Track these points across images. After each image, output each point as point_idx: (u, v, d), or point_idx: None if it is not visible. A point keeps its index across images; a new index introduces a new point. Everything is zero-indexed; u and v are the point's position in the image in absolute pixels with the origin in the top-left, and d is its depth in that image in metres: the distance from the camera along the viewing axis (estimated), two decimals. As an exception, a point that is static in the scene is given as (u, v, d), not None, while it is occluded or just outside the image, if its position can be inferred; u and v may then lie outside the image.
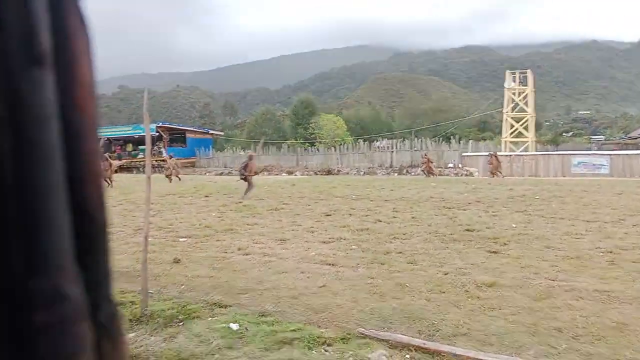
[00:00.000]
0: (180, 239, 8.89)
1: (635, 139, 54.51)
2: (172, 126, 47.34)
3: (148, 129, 5.82)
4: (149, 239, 5.29)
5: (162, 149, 42.90)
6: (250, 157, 16.13)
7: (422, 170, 26.74)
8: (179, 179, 24.27)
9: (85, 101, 0.41)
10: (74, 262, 0.39)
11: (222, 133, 61.21)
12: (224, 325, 4.49)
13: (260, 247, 8.02)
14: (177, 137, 46.46)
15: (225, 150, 46.86)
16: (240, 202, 14.22)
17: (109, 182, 20.22)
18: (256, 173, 16.32)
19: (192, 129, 50.64)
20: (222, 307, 5.08)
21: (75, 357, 0.37)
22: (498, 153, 27.82)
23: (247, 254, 7.52)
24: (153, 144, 41.13)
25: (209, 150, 46.43)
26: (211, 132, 55.39)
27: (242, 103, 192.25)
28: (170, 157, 27.53)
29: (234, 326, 4.45)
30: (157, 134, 41.99)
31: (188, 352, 4.08)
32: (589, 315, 4.55)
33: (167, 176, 24.24)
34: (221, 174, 37.25)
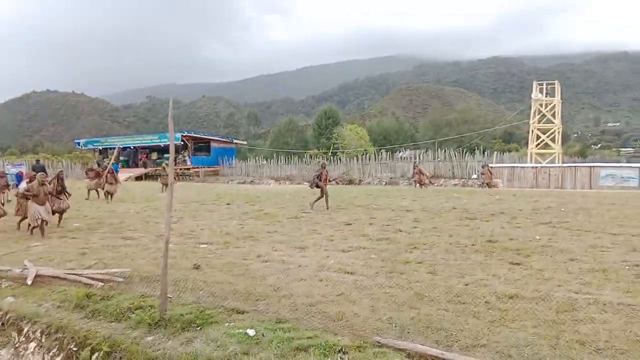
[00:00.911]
0: (201, 246, 8.99)
1: (668, 151, 52.85)
2: (197, 135, 48.06)
3: (172, 137, 5.92)
4: (170, 245, 5.37)
5: (187, 158, 43.54)
6: (323, 166, 15.92)
7: (414, 181, 26.23)
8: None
9: None
10: None
11: (246, 142, 61.77)
12: (241, 330, 4.51)
13: (280, 255, 8.04)
14: (201, 146, 47.12)
15: (249, 159, 47.24)
16: (306, 212, 14.37)
17: (98, 193, 19.57)
18: (328, 182, 15.95)
19: (216, 138, 51.31)
20: (239, 313, 5.11)
21: None
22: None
23: (266, 261, 7.55)
24: (178, 152, 41.77)
25: (232, 159, 46.91)
26: (235, 141, 56.03)
27: (266, 113, 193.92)
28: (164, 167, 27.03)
29: (251, 332, 4.46)
30: (182, 142, 42.65)
31: (204, 357, 4.11)
32: (612, 329, 4.42)
33: (163, 184, 23.58)
34: (243, 182, 37.55)
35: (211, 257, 7.90)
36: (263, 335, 4.41)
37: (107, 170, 19.47)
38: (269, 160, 45.82)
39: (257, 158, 46.68)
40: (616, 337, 4.24)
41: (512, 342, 4.20)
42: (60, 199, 11.90)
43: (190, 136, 44.92)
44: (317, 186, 15.33)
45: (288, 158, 43.67)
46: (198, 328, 4.71)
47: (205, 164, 44.66)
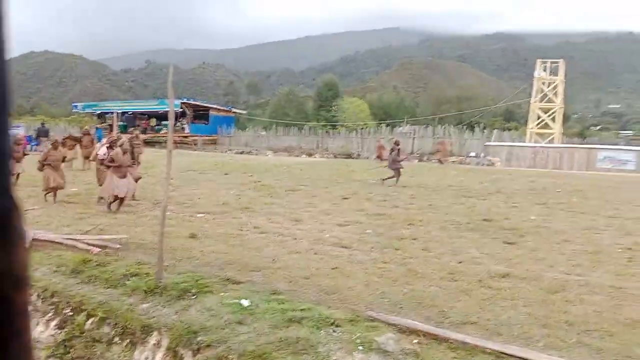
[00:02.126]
0: (198, 215, 9.02)
1: (668, 135, 52.93)
2: (197, 103, 47.60)
3: (172, 104, 5.87)
4: (167, 213, 5.38)
5: (186, 125, 43.28)
6: (397, 143, 15.38)
7: (376, 157, 26.16)
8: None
9: None
10: None
11: (245, 112, 61.35)
12: (236, 300, 4.57)
13: (276, 227, 8.08)
14: (200, 114, 46.75)
15: (247, 129, 47.01)
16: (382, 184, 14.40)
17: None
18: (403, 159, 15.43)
19: (215, 106, 50.83)
20: (234, 283, 5.16)
21: None
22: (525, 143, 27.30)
23: (262, 233, 7.59)
24: (177, 120, 41.48)
25: (231, 128, 46.65)
26: (234, 110, 55.60)
27: (266, 83, 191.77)
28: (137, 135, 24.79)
29: (245, 302, 4.52)
30: (181, 110, 42.32)
31: (198, 325, 4.18)
32: (602, 311, 4.49)
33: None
34: (241, 152, 37.49)
35: (208, 227, 7.94)
36: (257, 306, 4.47)
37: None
38: (267, 130, 45.59)
39: (255, 128, 46.45)
40: (605, 319, 4.31)
41: (502, 320, 4.27)
42: (133, 167, 10.65)
43: (189, 103, 44.49)
44: (396, 166, 14.85)
45: (287, 129, 43.46)
46: (193, 297, 4.76)
47: (203, 132, 44.40)
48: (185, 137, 41.88)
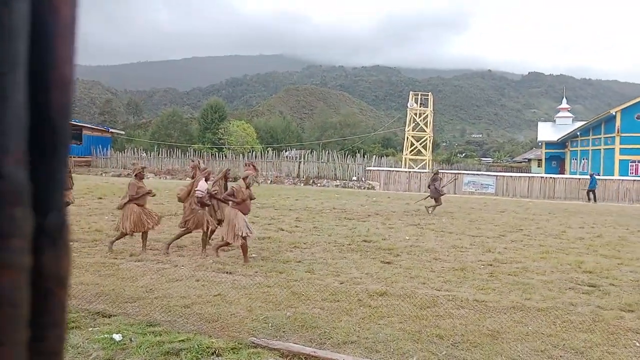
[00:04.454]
0: (66, 243, 8.23)
1: (520, 162, 60.36)
2: (67, 121, 43.99)
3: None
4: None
5: (54, 145, 39.66)
6: (437, 173, 15.83)
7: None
8: None
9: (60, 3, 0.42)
10: (23, 152, 0.38)
11: (124, 132, 58.07)
12: (107, 335, 4.22)
13: (155, 254, 7.68)
14: (71, 134, 43.24)
15: (126, 150, 44.38)
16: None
17: None
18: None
19: (89, 125, 47.47)
20: (105, 316, 4.77)
21: (3, 237, 0.36)
22: (397, 168, 29.21)
23: (139, 261, 7.16)
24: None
25: (107, 149, 43.73)
26: (111, 130, 52.30)
27: (147, 103, 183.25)
28: None
29: (117, 337, 4.19)
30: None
31: (62, 366, 3.77)
32: (467, 324, 4.89)
33: None
34: (119, 175, 35.25)
35: (76, 256, 7.27)
36: (131, 340, 4.17)
37: None
38: (149, 152, 43.46)
39: (135, 149, 44.06)
40: (470, 331, 4.69)
41: (380, 338, 4.45)
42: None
43: (58, 122, 40.91)
44: (438, 195, 15.08)
45: (170, 151, 41.87)
46: (56, 334, 4.30)
47: (75, 153, 41.04)
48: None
